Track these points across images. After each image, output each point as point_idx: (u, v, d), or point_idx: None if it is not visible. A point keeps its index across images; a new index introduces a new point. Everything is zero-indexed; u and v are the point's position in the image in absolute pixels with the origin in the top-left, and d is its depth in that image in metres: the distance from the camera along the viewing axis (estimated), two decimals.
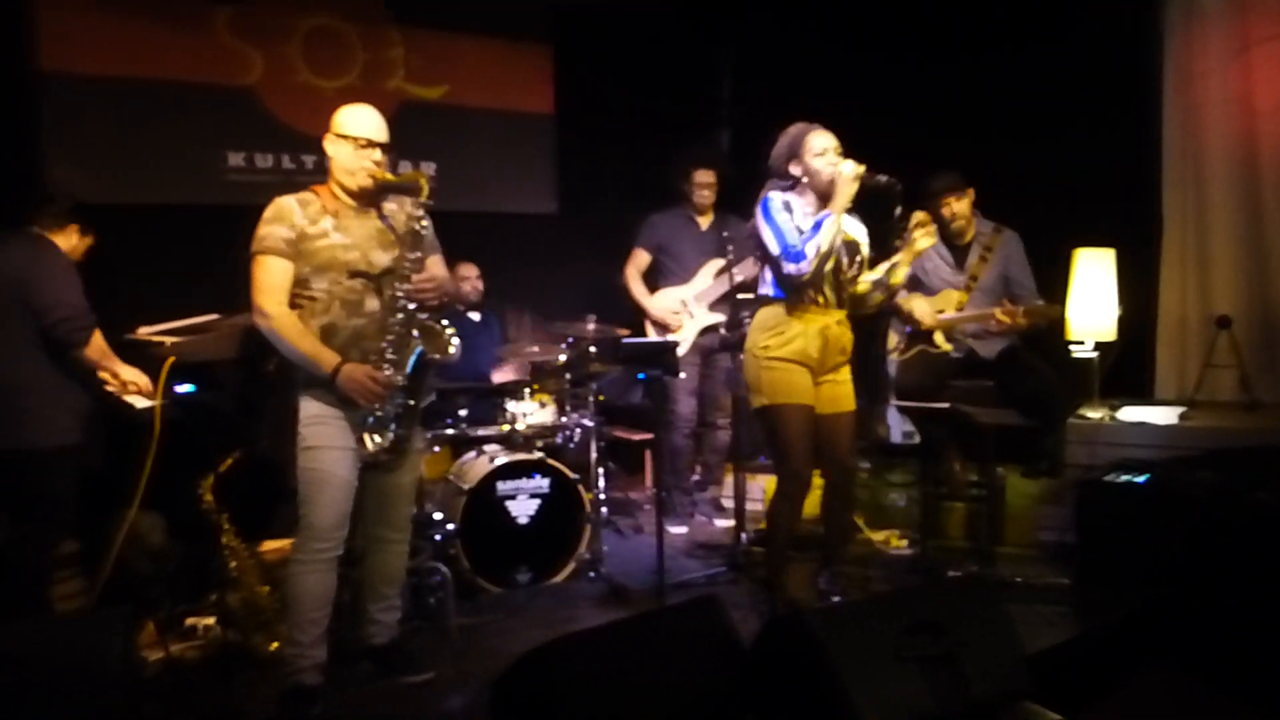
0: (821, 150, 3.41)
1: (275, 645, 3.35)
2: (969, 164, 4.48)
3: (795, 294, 3.41)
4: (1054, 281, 4.63)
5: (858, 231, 3.57)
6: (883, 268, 3.57)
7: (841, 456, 3.58)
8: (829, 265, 3.37)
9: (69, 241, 3.44)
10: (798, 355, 3.41)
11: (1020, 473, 4.53)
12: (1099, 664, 3.37)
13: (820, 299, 3.43)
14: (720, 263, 4.96)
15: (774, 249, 3.38)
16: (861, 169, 3.33)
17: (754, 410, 3.58)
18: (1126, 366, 4.98)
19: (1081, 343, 4.64)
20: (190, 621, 3.49)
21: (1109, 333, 4.65)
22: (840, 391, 3.55)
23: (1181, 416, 4.49)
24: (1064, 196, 5.05)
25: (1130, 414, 4.53)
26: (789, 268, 3.34)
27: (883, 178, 3.34)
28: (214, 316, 3.73)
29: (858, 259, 3.52)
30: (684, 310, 5.07)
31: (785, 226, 3.38)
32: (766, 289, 3.53)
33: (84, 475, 3.53)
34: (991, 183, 4.52)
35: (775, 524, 3.61)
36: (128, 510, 3.40)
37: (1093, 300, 4.63)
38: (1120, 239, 4.81)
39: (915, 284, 4.50)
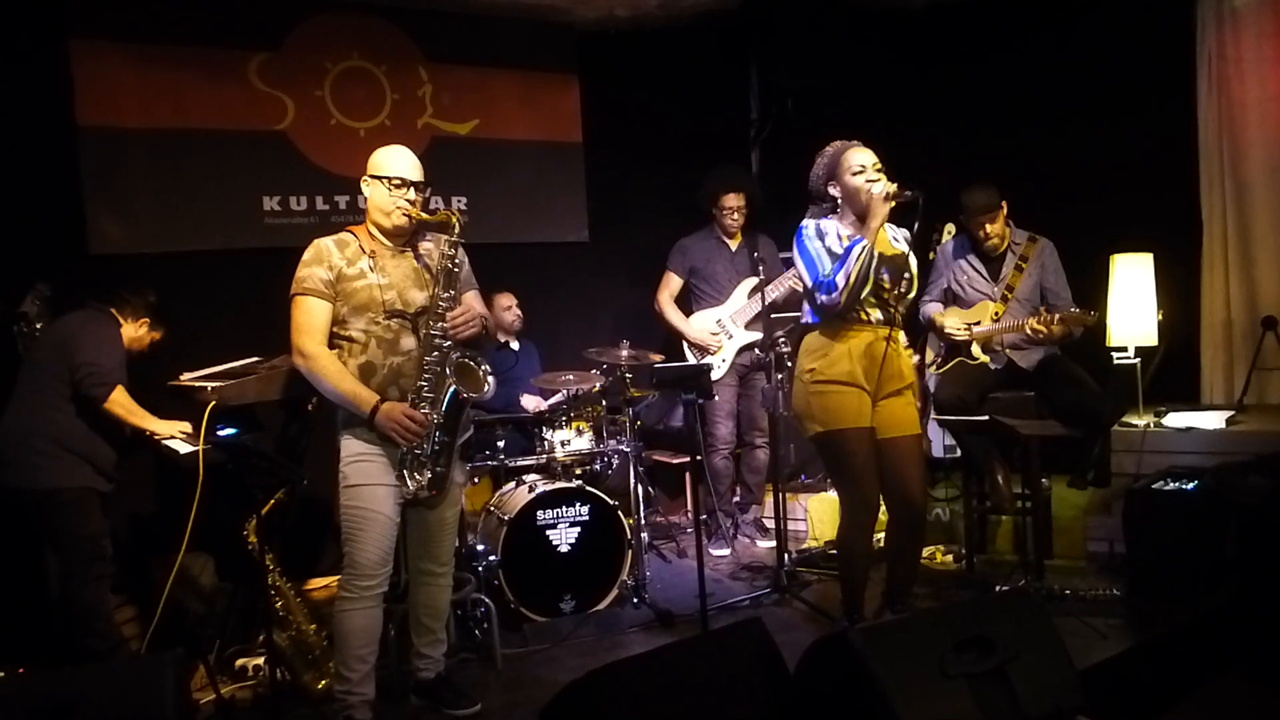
0: (859, 168, 3.29)
1: (324, 683, 3.38)
2: (1002, 171, 4.45)
3: (838, 315, 3.32)
4: (1092, 288, 4.57)
5: (905, 247, 3.43)
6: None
7: (905, 486, 3.35)
8: (867, 287, 3.25)
9: (135, 331, 3.67)
10: (845, 376, 3.28)
11: (1066, 483, 4.46)
12: (1156, 677, 3.29)
13: (864, 315, 3.32)
14: (754, 281, 4.96)
15: (807, 280, 3.34)
16: (892, 188, 3.22)
17: (810, 439, 3.45)
18: (1171, 372, 4.91)
19: (1123, 349, 4.58)
20: (240, 662, 3.53)
21: (1150, 338, 4.58)
22: (900, 414, 3.36)
23: (1230, 421, 4.41)
24: (1099, 201, 5.00)
25: (1177, 420, 4.45)
26: (821, 298, 3.29)
27: (909, 192, 3.22)
28: (254, 360, 3.80)
29: (905, 276, 3.35)
30: (721, 330, 5.07)
31: (817, 255, 3.30)
32: (807, 317, 3.45)
33: (133, 519, 3.61)
34: (1025, 190, 4.48)
35: (848, 555, 3.48)
36: (177, 553, 3.47)
37: (1132, 306, 4.57)
38: (1158, 242, 4.75)
39: (951, 297, 4.47)
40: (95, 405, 3.41)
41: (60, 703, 2.09)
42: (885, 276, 3.30)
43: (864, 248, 3.20)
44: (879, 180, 3.27)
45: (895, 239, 3.43)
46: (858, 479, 3.32)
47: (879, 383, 3.32)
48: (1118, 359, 4.59)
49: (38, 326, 3.70)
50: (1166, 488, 3.88)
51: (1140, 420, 4.50)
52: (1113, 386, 4.44)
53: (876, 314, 3.34)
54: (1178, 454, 4.26)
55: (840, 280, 3.22)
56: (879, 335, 3.32)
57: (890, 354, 3.34)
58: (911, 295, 3.41)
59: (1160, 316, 4.59)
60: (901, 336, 3.45)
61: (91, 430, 3.46)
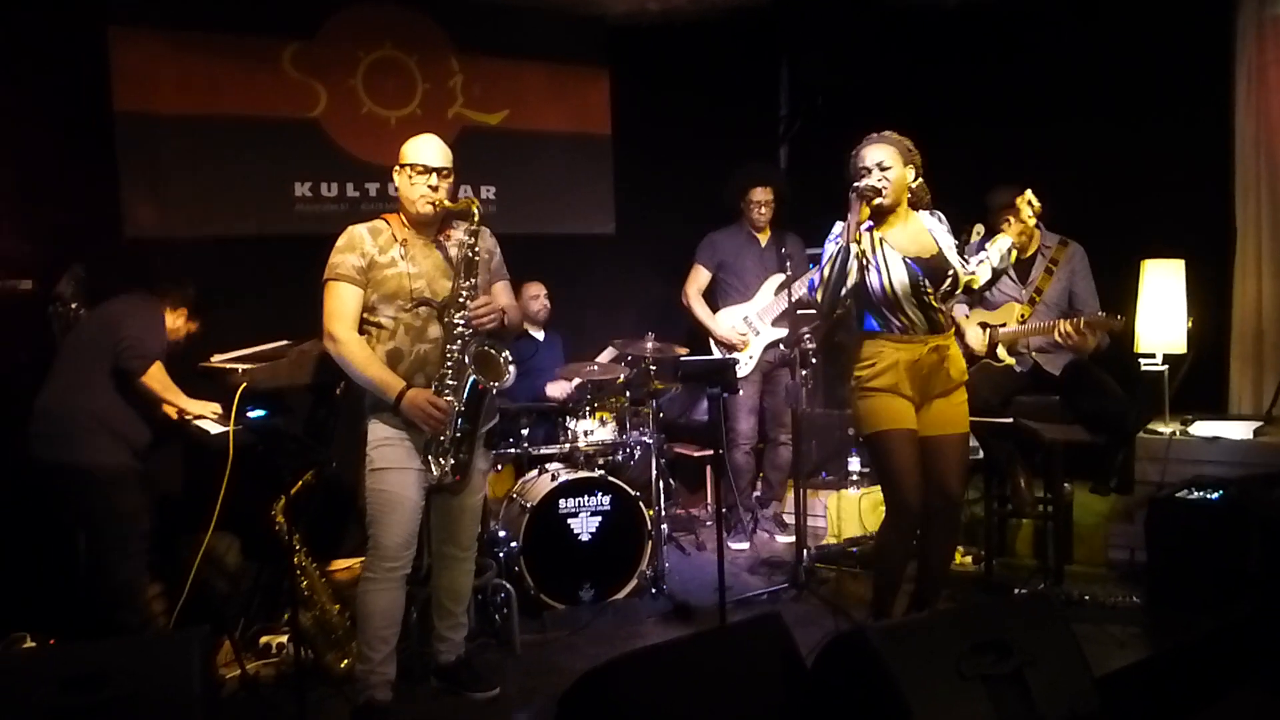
0: (866, 168, 3.24)
1: (346, 663, 3.43)
2: (1033, 173, 4.40)
3: (883, 323, 3.28)
4: (1122, 293, 4.55)
5: (945, 243, 3.32)
6: (992, 248, 3.40)
7: (944, 482, 3.31)
8: (847, 284, 3.19)
9: (174, 321, 3.71)
10: (889, 386, 3.25)
11: (1089, 489, 4.44)
12: (1174, 688, 3.28)
13: (909, 326, 3.25)
14: (781, 277, 4.96)
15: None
16: (865, 184, 3.18)
17: (860, 442, 3.48)
18: (1199, 380, 4.86)
19: (1151, 356, 4.55)
20: (265, 640, 3.59)
21: (1179, 345, 4.55)
22: (949, 413, 3.31)
23: (1257, 432, 4.37)
24: (1132, 205, 4.96)
25: (1203, 429, 4.42)
26: (810, 297, 3.30)
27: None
28: (284, 343, 3.84)
29: (949, 274, 3.25)
30: (749, 328, 5.08)
31: (825, 256, 3.30)
32: (857, 321, 3.38)
33: (162, 499, 3.67)
34: (1057, 192, 4.44)
35: (883, 555, 3.46)
36: (204, 532, 3.52)
37: (1162, 312, 4.54)
38: (1190, 248, 4.70)
39: (978, 298, 4.44)
40: (132, 379, 3.46)
41: (91, 673, 2.16)
42: (925, 278, 3.23)
43: (838, 248, 3.17)
44: (865, 179, 3.22)
45: (935, 234, 3.32)
46: (898, 480, 3.27)
47: (925, 391, 3.30)
48: (1145, 365, 4.57)
49: (73, 307, 3.76)
50: (1190, 497, 3.86)
51: (1166, 428, 4.47)
52: (1139, 393, 4.41)
53: (921, 321, 3.26)
54: (1203, 464, 4.24)
55: (816, 278, 3.24)
56: (927, 346, 3.25)
57: (932, 362, 3.27)
58: (964, 285, 3.31)
59: (1190, 324, 4.56)
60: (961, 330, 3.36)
61: (129, 409, 3.51)
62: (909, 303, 3.24)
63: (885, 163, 3.23)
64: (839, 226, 3.29)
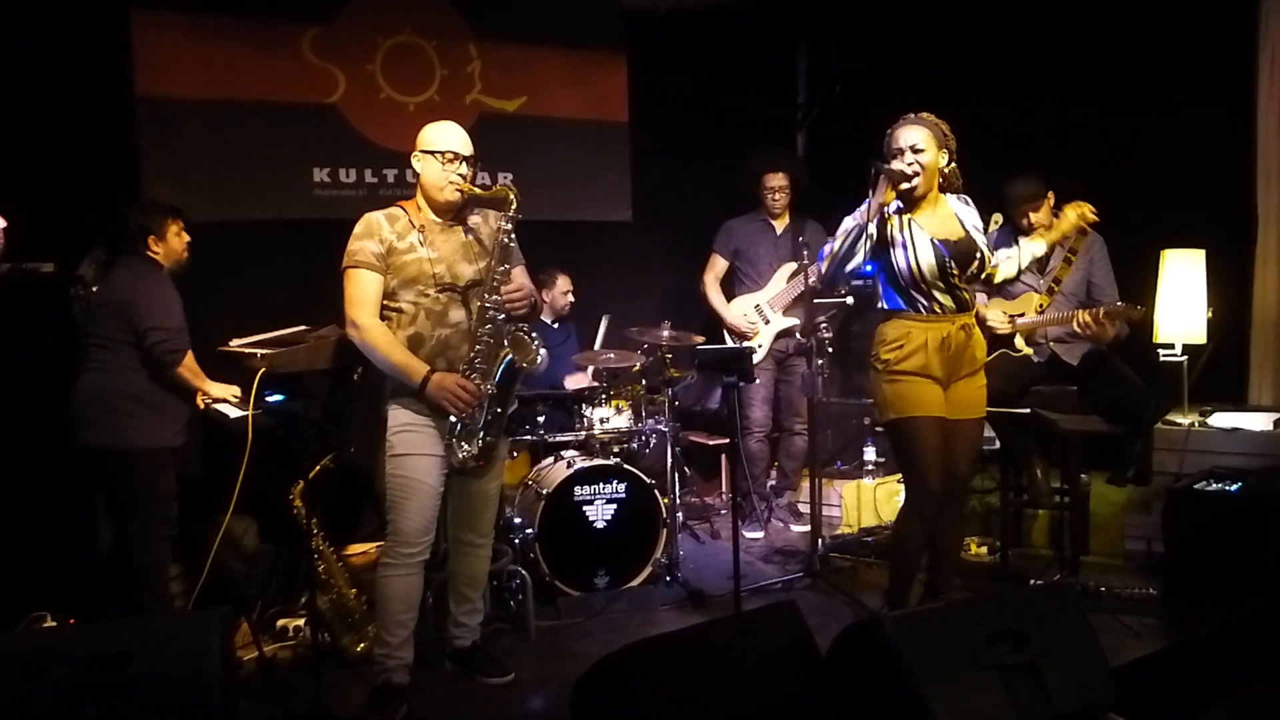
0: (899, 148, 3.22)
1: (363, 646, 3.46)
2: (1052, 161, 4.38)
3: (910, 304, 3.27)
4: (1141, 283, 4.51)
5: (971, 225, 3.32)
6: (1025, 248, 3.46)
7: (955, 466, 3.33)
8: (927, 269, 3.19)
9: (167, 246, 3.67)
10: (920, 369, 3.24)
11: (1106, 480, 4.42)
12: (1189, 679, 3.27)
13: (936, 307, 3.26)
14: (794, 265, 4.95)
15: None
16: (892, 167, 3.18)
17: (882, 425, 3.43)
18: (1218, 371, 4.83)
19: (1170, 346, 4.52)
20: (282, 622, 3.62)
21: (1199, 336, 4.52)
22: (968, 397, 3.33)
23: (1277, 423, 4.33)
24: (1152, 194, 4.91)
25: (1222, 420, 4.39)
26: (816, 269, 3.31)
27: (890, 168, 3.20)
28: (302, 328, 3.86)
29: (975, 257, 3.28)
30: (759, 316, 5.07)
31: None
32: (883, 302, 3.37)
33: (181, 481, 3.70)
34: (1077, 180, 4.42)
35: (902, 541, 3.45)
36: (223, 515, 3.55)
37: (1182, 302, 4.51)
38: (1211, 238, 4.66)
39: (996, 288, 4.43)
40: (167, 372, 3.49)
41: (112, 652, 2.18)
42: (951, 260, 3.23)
43: (855, 224, 3.17)
44: (896, 161, 3.21)
45: (962, 217, 3.32)
46: (922, 467, 3.27)
47: (952, 371, 3.30)
48: (1164, 356, 4.54)
49: (94, 290, 3.77)
50: (1208, 488, 3.84)
51: (1184, 419, 4.45)
52: (1157, 383, 4.38)
53: (949, 302, 3.27)
54: (1222, 455, 4.21)
55: (825, 250, 3.25)
56: (956, 325, 3.27)
57: (960, 340, 3.28)
58: (985, 275, 3.34)
59: (1210, 314, 4.52)
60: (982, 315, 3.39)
61: (166, 387, 3.54)
62: (936, 284, 3.24)
63: (919, 145, 3.22)
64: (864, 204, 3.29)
